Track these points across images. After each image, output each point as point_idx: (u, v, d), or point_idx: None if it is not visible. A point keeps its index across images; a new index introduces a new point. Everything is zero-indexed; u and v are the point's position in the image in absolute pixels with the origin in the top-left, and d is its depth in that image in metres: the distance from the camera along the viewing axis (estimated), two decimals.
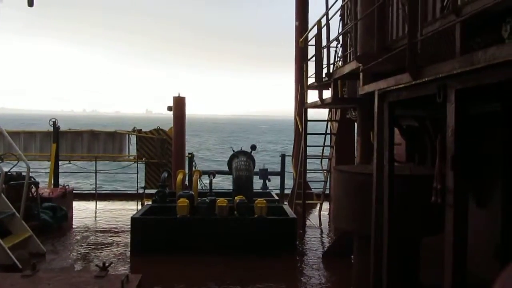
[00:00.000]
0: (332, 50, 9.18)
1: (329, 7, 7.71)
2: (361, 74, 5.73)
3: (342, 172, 5.84)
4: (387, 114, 4.40)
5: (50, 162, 13.56)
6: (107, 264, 4.58)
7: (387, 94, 4.43)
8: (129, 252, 8.14)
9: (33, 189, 9.24)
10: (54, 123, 13.55)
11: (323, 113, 13.51)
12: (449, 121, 3.02)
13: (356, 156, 8.58)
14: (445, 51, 4.66)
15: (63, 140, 14.17)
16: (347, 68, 6.61)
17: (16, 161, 9.38)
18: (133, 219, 8.25)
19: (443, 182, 3.77)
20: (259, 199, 8.53)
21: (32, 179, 9.38)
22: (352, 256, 6.90)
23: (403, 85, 3.94)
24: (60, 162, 13.71)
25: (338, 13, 10.06)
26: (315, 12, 13.79)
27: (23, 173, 9.11)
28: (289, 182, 14.28)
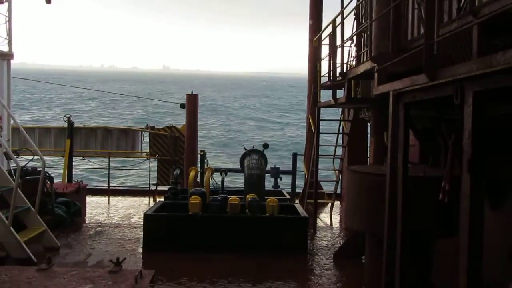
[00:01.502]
0: (345, 50, 9.16)
1: (344, 6, 7.67)
2: (375, 74, 5.70)
3: (355, 173, 5.82)
4: (402, 115, 4.38)
5: (64, 157, 13.73)
6: (120, 260, 4.64)
7: (403, 95, 4.40)
8: (141, 248, 8.22)
9: (48, 184, 9.37)
10: (69, 119, 13.70)
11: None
12: (466, 124, 3.00)
13: (368, 156, 8.54)
14: (462, 52, 4.63)
15: (77, 136, 14.34)
16: (362, 68, 6.58)
17: (32, 156, 9.54)
18: (145, 215, 8.33)
19: (452, 183, 3.75)
20: (270, 197, 8.54)
21: (47, 174, 9.51)
22: (363, 257, 6.88)
23: (419, 86, 3.91)
24: (74, 158, 13.88)
25: (353, 12, 10.04)
26: (329, 11, 13.77)
27: (39, 168, 9.25)
28: (300, 181, 14.30)
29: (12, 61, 11.22)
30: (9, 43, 11.14)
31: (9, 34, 11.11)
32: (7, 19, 10.95)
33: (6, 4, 10.90)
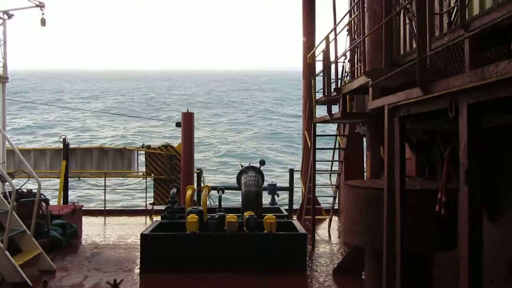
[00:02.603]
0: (339, 65, 9.24)
1: (337, 23, 7.76)
2: (370, 89, 5.73)
3: (353, 187, 5.81)
4: (397, 128, 4.40)
5: (59, 179, 13.65)
6: (118, 281, 4.58)
7: (397, 109, 4.43)
8: (138, 269, 8.11)
9: (44, 206, 9.29)
10: (64, 140, 13.67)
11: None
12: (461, 136, 3.01)
13: (365, 170, 8.54)
14: (454, 65, 4.68)
15: (72, 157, 14.30)
16: (356, 83, 6.62)
17: (27, 178, 9.48)
18: (142, 235, 8.24)
19: (448, 195, 3.75)
20: (268, 214, 8.49)
21: (43, 196, 9.43)
22: (363, 272, 6.82)
23: (413, 100, 3.94)
24: (69, 179, 13.80)
25: (346, 28, 10.17)
26: (322, 28, 13.94)
27: (34, 190, 9.18)
28: (297, 197, 14.26)
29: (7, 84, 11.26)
30: (4, 66, 11.19)
31: (4, 58, 11.16)
32: (2, 42, 11.01)
33: (1, 28, 10.98)
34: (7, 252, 7.00)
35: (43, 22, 11.48)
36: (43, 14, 11.57)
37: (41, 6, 11.46)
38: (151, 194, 14.21)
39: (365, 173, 10.10)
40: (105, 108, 69.23)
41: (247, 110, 73.26)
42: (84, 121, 55.55)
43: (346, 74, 10.04)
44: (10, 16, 11.10)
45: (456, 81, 3.33)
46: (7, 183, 8.41)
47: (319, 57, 10.23)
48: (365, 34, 6.52)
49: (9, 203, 7.45)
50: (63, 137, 13.87)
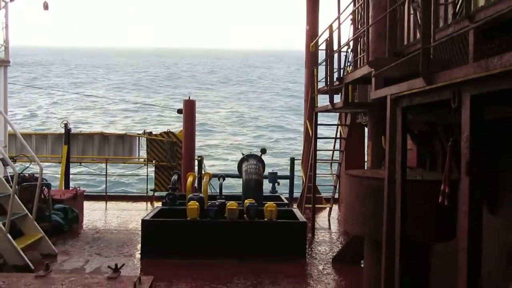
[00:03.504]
0: (342, 55, 9.20)
1: (340, 12, 7.71)
2: (373, 79, 5.72)
3: (354, 177, 5.83)
4: (400, 119, 4.40)
5: (61, 164, 13.70)
6: (119, 266, 4.63)
7: (400, 99, 4.42)
8: (139, 254, 8.19)
9: (45, 191, 9.34)
10: (66, 125, 13.70)
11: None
12: (464, 127, 3.01)
13: (366, 161, 8.56)
14: (458, 56, 4.66)
15: (74, 142, 14.33)
16: (359, 73, 6.61)
17: (29, 163, 9.52)
18: (143, 221, 8.30)
19: (451, 186, 3.77)
20: (269, 202, 8.54)
21: (44, 180, 9.48)
22: (362, 261, 6.88)
23: (416, 90, 3.93)
24: (71, 164, 13.86)
25: (349, 17, 10.10)
26: (325, 16, 13.86)
27: (36, 175, 9.23)
28: (298, 186, 14.30)
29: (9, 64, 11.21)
30: (6, 50, 11.14)
31: (6, 41, 11.11)
32: (4, 25, 10.96)
33: (3, 11, 10.91)
34: (9, 235, 7.06)
35: (45, 6, 11.43)
36: None
37: None
38: (152, 180, 14.27)
39: (366, 163, 10.13)
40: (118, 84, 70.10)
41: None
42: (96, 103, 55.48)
43: (349, 63, 10.01)
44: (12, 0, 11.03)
45: (459, 72, 3.32)
46: (9, 167, 8.46)
47: (322, 46, 10.18)
48: (369, 24, 6.48)
49: (11, 187, 7.50)
50: (64, 122, 13.89)
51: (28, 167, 9.70)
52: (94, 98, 51.29)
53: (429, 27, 4.07)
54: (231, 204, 8.29)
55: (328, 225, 11.24)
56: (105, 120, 47.89)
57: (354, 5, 9.25)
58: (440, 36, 4.90)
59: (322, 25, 13.50)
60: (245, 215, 8.45)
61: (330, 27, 8.31)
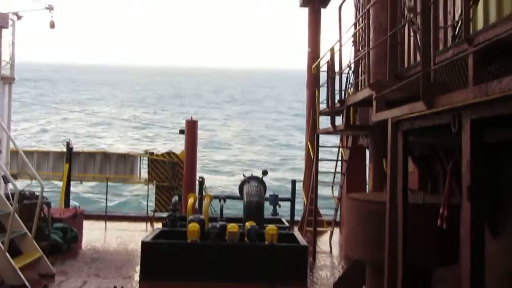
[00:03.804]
0: (343, 76, 9.27)
1: (342, 34, 7.80)
2: (374, 101, 5.74)
3: (355, 200, 5.79)
4: (401, 142, 4.40)
5: (62, 182, 13.69)
6: None
7: (401, 123, 4.43)
8: (138, 276, 8.08)
9: (45, 209, 9.30)
10: (68, 144, 13.74)
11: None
12: (464, 152, 3.01)
13: (367, 183, 8.52)
14: (458, 78, 4.68)
15: (76, 160, 14.34)
16: (360, 96, 6.64)
17: (30, 180, 9.51)
18: (143, 243, 8.22)
19: (452, 209, 3.74)
20: (270, 225, 8.46)
21: (45, 198, 9.45)
22: (364, 287, 6.77)
23: (417, 114, 3.94)
24: (72, 182, 13.84)
25: (351, 40, 10.20)
26: (326, 37, 14.04)
27: (36, 193, 9.20)
28: (299, 208, 14.19)
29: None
30: (12, 67, 11.28)
31: (12, 58, 11.25)
32: (11, 43, 11.11)
33: (10, 29, 11.09)
34: (7, 254, 7.00)
35: (52, 25, 11.61)
36: (52, 16, 11.71)
37: (50, 8, 11.59)
38: (153, 201, 14.21)
39: (367, 186, 10.08)
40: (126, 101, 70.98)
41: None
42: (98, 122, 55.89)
43: (350, 85, 10.07)
44: (19, 18, 11.23)
45: (459, 96, 3.33)
46: (10, 184, 8.45)
47: (324, 67, 10.26)
48: (370, 47, 6.55)
49: (11, 205, 7.47)
50: (66, 140, 13.94)
51: (29, 184, 9.70)
52: (99, 116, 51.60)
53: (429, 51, 4.11)
54: (232, 227, 8.21)
55: (330, 249, 11.12)
56: (109, 138, 48.08)
57: (355, 27, 9.37)
58: (440, 59, 4.93)
59: (324, 47, 13.68)
60: (245, 238, 8.37)
61: (332, 49, 8.40)
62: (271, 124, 61.41)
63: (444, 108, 3.32)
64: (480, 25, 4.62)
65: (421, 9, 4.24)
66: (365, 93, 6.29)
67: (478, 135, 2.97)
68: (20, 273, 6.98)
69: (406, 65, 6.61)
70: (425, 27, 4.13)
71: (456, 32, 5.19)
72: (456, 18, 5.27)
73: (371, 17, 6.66)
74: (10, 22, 10.96)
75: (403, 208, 4.32)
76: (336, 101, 8.38)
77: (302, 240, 8.61)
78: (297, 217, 13.53)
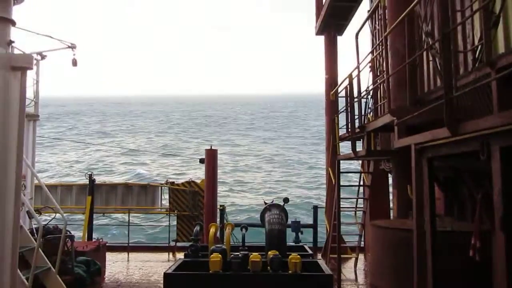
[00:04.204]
0: (362, 101, 9.22)
1: (359, 61, 7.82)
2: (395, 127, 5.68)
3: (380, 228, 5.67)
4: (426, 169, 4.31)
5: (84, 215, 13.80)
6: None
7: (426, 150, 4.36)
8: None
9: (68, 243, 9.35)
10: (90, 176, 13.91)
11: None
12: (495, 181, 2.92)
13: (392, 209, 8.35)
14: (480, 101, 4.61)
15: (98, 192, 14.49)
16: (380, 121, 6.58)
17: (54, 214, 9.60)
18: (165, 274, 8.14)
19: (482, 240, 3.61)
20: (293, 253, 8.31)
21: (68, 232, 9.51)
22: None
23: (442, 141, 3.87)
24: (94, 215, 13.95)
25: (368, 65, 10.21)
26: (343, 63, 14.13)
27: (59, 226, 9.27)
28: (321, 235, 13.96)
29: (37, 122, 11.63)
30: (36, 105, 11.59)
31: (36, 96, 11.57)
32: (35, 81, 11.45)
33: (34, 68, 11.45)
34: None
35: (74, 63, 11.93)
36: (74, 54, 12.05)
37: (72, 47, 11.94)
38: (175, 231, 14.19)
39: (391, 211, 9.88)
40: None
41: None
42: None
43: (369, 110, 10.01)
44: (43, 57, 11.60)
45: (485, 123, 3.27)
46: (34, 219, 8.54)
47: (342, 93, 10.26)
48: (389, 73, 6.53)
49: (35, 240, 7.53)
50: (89, 173, 14.12)
51: (53, 218, 9.79)
52: (123, 148, 52.36)
53: (451, 75, 4.07)
54: (255, 256, 8.09)
55: (355, 276, 10.84)
56: (130, 169, 48.60)
57: (373, 53, 9.38)
58: (462, 83, 4.88)
59: (341, 73, 13.75)
60: (268, 267, 8.23)
61: (350, 75, 8.40)
62: (298, 148, 61.50)
63: (471, 135, 3.25)
64: (501, 48, 4.56)
65: (441, 35, 4.22)
66: (385, 119, 6.24)
67: (508, 162, 2.89)
68: None
69: (426, 89, 6.55)
70: (445, 52, 4.10)
71: (477, 56, 5.14)
72: (476, 42, 5.23)
73: (388, 43, 6.66)
74: (34, 62, 11.33)
75: (432, 235, 4.20)
76: (356, 127, 8.32)
77: (326, 269, 8.40)
78: (320, 244, 13.31)
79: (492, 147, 2.97)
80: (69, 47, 11.84)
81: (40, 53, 11.47)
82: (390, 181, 11.40)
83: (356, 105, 8.72)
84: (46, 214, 11.10)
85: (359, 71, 7.75)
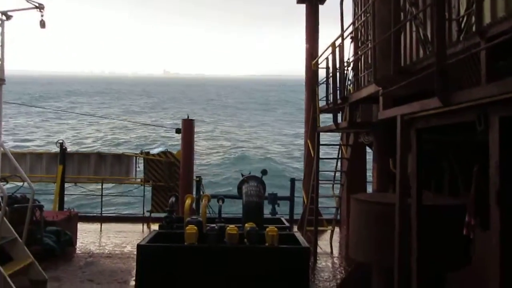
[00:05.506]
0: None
1: (343, 29, 7.54)
2: (381, 98, 5.49)
3: (361, 201, 5.54)
4: (415, 141, 4.14)
5: (55, 184, 13.34)
6: None
7: (415, 121, 4.17)
8: (133, 281, 7.81)
9: (37, 213, 8.98)
10: (61, 145, 13.39)
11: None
12: (492, 152, 2.75)
13: (372, 182, 8.26)
14: (468, 73, 4.43)
15: (70, 162, 13.99)
16: (365, 92, 6.38)
17: (22, 183, 9.18)
18: (139, 246, 7.91)
19: (477, 216, 3.48)
20: (270, 226, 8.19)
21: (37, 202, 9.13)
22: None
23: (433, 111, 3.68)
24: (66, 184, 13.50)
25: (350, 36, 9.94)
26: (322, 34, 13.82)
27: (28, 195, 8.88)
28: (298, 207, 13.95)
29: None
30: (1, 69, 10.92)
31: (2, 59, 10.89)
32: (0, 44, 10.75)
33: None
34: None
35: (42, 24, 11.22)
36: (42, 16, 11.32)
37: (40, 7, 11.19)
38: (149, 201, 13.92)
39: (371, 185, 9.84)
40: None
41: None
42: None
43: (349, 82, 9.81)
44: (8, 18, 10.85)
45: (481, 92, 3.08)
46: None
47: (322, 64, 10.00)
48: (373, 42, 6.28)
49: (0, 209, 7.16)
50: (60, 141, 13.59)
51: (20, 187, 9.36)
52: (95, 118, 51.05)
53: (444, 43, 3.85)
54: (231, 229, 7.92)
55: (330, 249, 10.87)
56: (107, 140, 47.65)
57: (355, 23, 9.10)
58: (449, 52, 4.67)
59: (322, 43, 13.46)
60: (245, 240, 8.09)
61: (333, 44, 8.13)
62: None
63: (467, 105, 3.06)
64: (487, 18, 4.37)
65: (435, 3, 3.98)
66: (370, 89, 6.03)
67: (508, 133, 2.71)
68: (9, 280, 6.66)
69: (408, 60, 6.36)
70: (439, 20, 3.87)
71: (462, 26, 4.95)
72: (461, 12, 5.04)
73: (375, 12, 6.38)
74: None
75: (417, 210, 4.06)
76: (338, 98, 8.12)
77: (303, 242, 8.33)
78: (296, 216, 13.30)
79: (491, 117, 2.80)
80: (36, 7, 11.11)
81: (4, 13, 10.71)
82: (368, 154, 11.37)
83: (337, 76, 8.48)
84: (15, 183, 10.65)
85: (343, 39, 7.49)
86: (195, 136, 12.96)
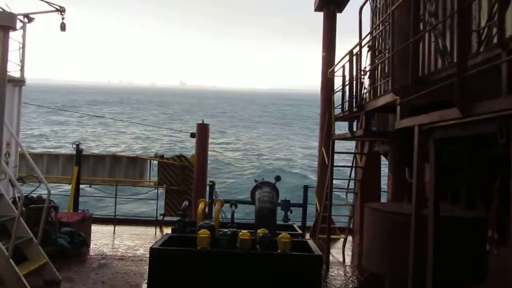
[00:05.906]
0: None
1: (362, 38, 7.51)
2: (398, 107, 5.44)
3: (376, 211, 5.49)
4: (433, 152, 4.09)
5: (71, 185, 13.49)
6: None
7: (433, 131, 4.13)
8: (145, 284, 7.84)
9: (52, 213, 9.08)
10: (78, 146, 13.55)
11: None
12: None
13: (387, 192, 8.18)
14: (487, 84, 4.37)
15: (85, 163, 14.16)
16: (382, 101, 6.34)
17: (38, 184, 9.30)
18: (152, 249, 7.95)
19: (500, 231, 3.42)
20: (283, 233, 8.15)
21: (52, 202, 9.24)
22: None
23: (453, 122, 3.64)
24: (81, 185, 13.65)
25: (367, 44, 9.90)
26: (338, 43, 13.80)
27: (44, 196, 8.99)
28: (311, 214, 13.88)
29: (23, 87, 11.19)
30: (22, 70, 11.11)
31: (22, 61, 11.08)
32: (21, 45, 10.95)
33: (21, 31, 10.93)
34: (11, 261, 6.78)
35: (63, 27, 11.44)
36: (63, 19, 11.53)
37: (61, 10, 11.41)
38: (163, 205, 13.99)
39: (385, 194, 9.74)
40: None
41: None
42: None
43: (365, 91, 9.75)
44: (30, 20, 11.06)
45: (503, 103, 3.04)
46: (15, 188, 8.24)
47: (338, 72, 9.97)
48: (392, 51, 6.25)
49: (17, 209, 7.26)
50: (76, 143, 13.76)
51: (37, 188, 9.49)
52: (111, 120, 51.46)
53: (465, 54, 3.82)
54: (244, 234, 7.91)
55: (343, 258, 10.78)
56: (121, 143, 48.06)
57: (372, 32, 9.06)
58: (469, 64, 4.63)
59: (338, 52, 13.43)
60: (257, 246, 8.07)
61: (350, 52, 8.11)
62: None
63: (487, 116, 3.02)
64: (509, 31, 4.33)
65: (458, 13, 3.94)
66: (387, 98, 5.99)
67: None
68: (24, 280, 6.74)
69: (426, 70, 6.31)
70: (461, 31, 3.84)
71: (483, 38, 4.90)
72: (482, 23, 5.00)
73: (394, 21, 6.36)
74: (20, 24, 10.78)
75: (435, 222, 4.01)
76: (354, 106, 8.07)
77: (316, 249, 8.28)
78: (309, 223, 13.22)
79: None
80: (57, 10, 11.31)
81: (26, 15, 10.93)
82: (383, 163, 11.27)
83: (353, 84, 8.44)
84: (31, 183, 10.80)
85: (361, 47, 7.46)
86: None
